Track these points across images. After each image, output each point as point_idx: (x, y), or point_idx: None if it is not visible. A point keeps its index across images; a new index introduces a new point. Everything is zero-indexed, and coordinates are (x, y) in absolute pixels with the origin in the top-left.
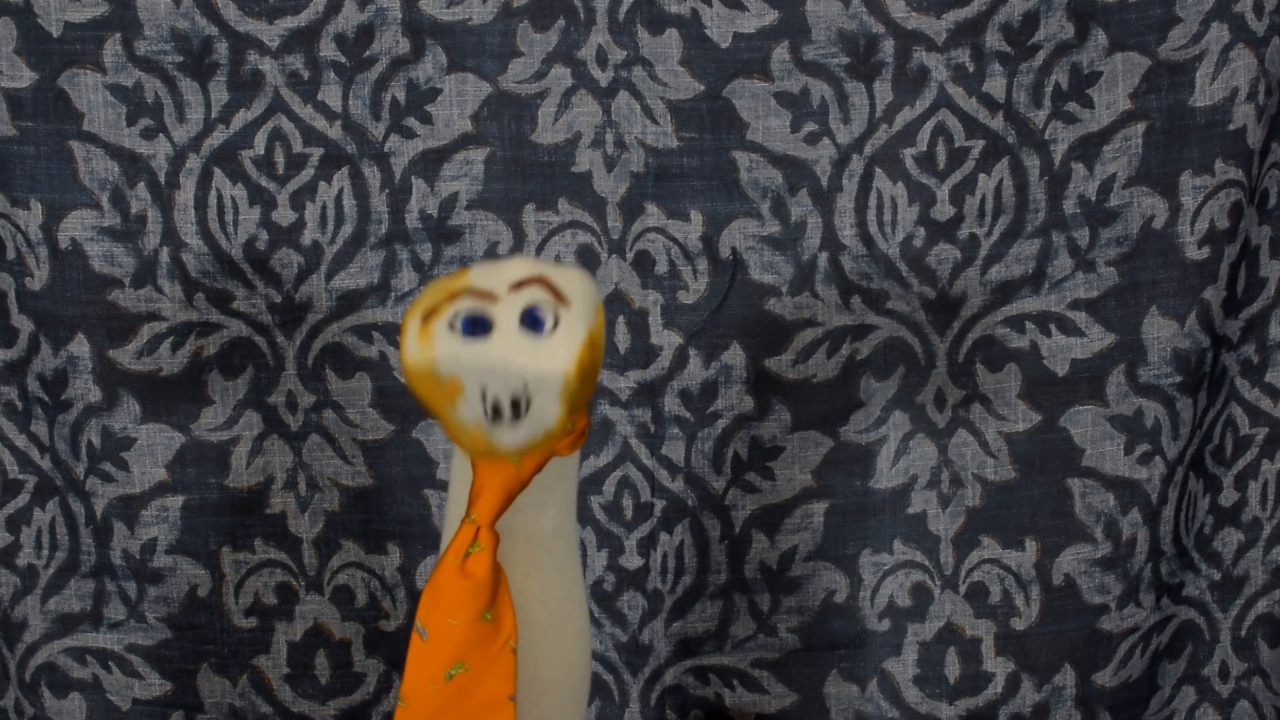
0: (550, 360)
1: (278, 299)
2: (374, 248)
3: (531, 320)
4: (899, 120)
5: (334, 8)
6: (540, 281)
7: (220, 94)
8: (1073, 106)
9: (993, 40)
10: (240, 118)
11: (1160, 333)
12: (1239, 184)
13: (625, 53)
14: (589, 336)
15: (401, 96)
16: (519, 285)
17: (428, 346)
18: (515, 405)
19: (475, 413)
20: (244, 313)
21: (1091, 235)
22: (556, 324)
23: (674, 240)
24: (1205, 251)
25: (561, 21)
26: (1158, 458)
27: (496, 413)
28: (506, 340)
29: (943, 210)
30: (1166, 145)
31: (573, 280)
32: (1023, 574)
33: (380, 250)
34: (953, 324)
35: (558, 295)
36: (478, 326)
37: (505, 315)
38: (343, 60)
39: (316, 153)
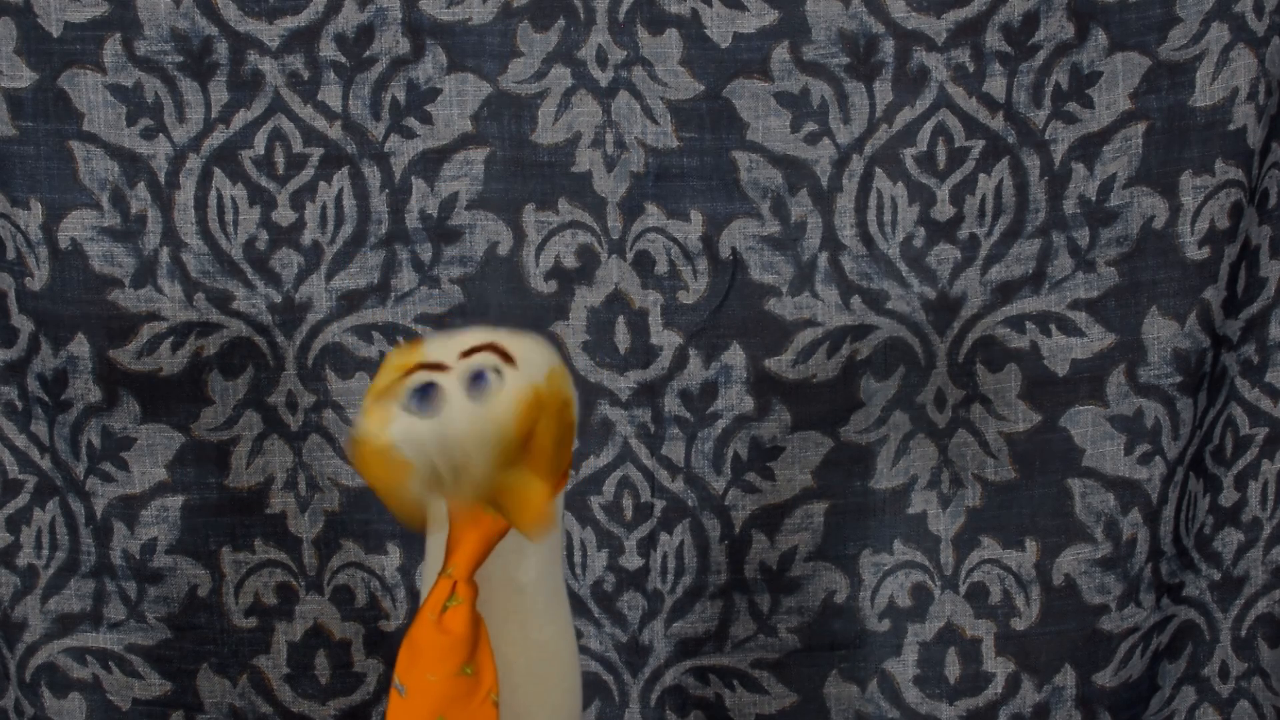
0: (483, 419)
1: (278, 299)
2: (374, 248)
3: (477, 381)
4: (899, 120)
5: (334, 8)
6: (490, 348)
7: (220, 94)
8: (1073, 106)
9: (993, 40)
10: (240, 118)
11: (1160, 333)
12: (1239, 184)
13: (625, 53)
14: (533, 395)
15: (401, 96)
16: (469, 353)
17: (383, 430)
18: (455, 472)
19: (418, 492)
20: (244, 313)
21: (1091, 235)
22: (501, 383)
23: (674, 240)
24: (1205, 251)
25: (561, 21)
26: (1158, 458)
27: (437, 482)
28: (453, 411)
29: (943, 210)
30: (1166, 145)
31: (524, 344)
32: (1023, 574)
33: (380, 250)
34: (953, 324)
35: (506, 358)
36: (427, 399)
37: (453, 383)
38: (343, 60)
39: (316, 153)
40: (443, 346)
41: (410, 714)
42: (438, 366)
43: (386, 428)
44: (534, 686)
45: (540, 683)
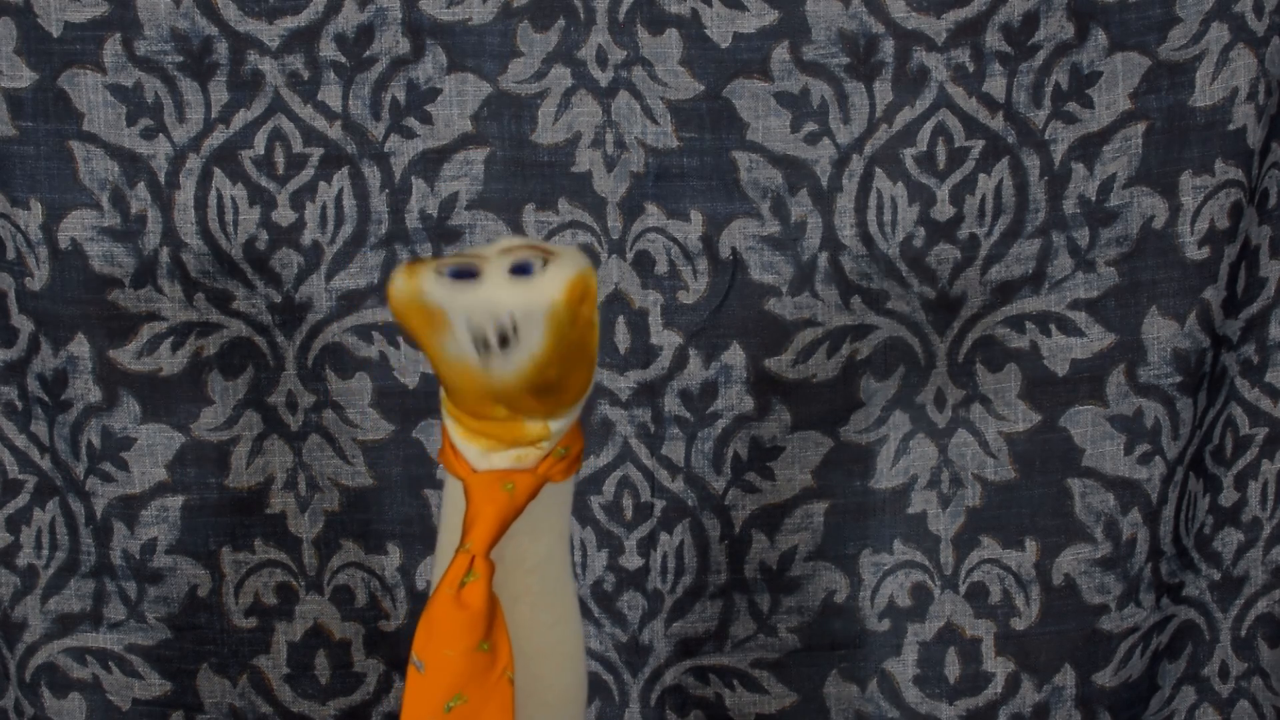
0: (537, 290)
1: (278, 299)
2: (374, 248)
3: (520, 269)
4: (899, 120)
5: (334, 8)
6: (530, 247)
7: (220, 94)
8: (1073, 106)
9: (993, 40)
10: (240, 118)
11: (1160, 333)
12: (1239, 184)
13: (625, 53)
14: (580, 276)
15: (401, 96)
16: (509, 250)
17: (414, 280)
18: (503, 339)
19: (463, 347)
20: (244, 313)
21: (1091, 235)
22: (545, 268)
23: (674, 240)
24: (1205, 251)
25: (561, 21)
26: (1158, 458)
27: (485, 347)
28: (493, 282)
29: (943, 210)
30: (1166, 145)
31: (563, 248)
32: (1023, 574)
33: (380, 250)
34: (953, 324)
35: (547, 253)
36: (465, 274)
37: (493, 267)
38: (343, 60)
39: (316, 153)
40: (481, 249)
41: (429, 690)
42: (476, 256)
43: (419, 280)
44: (543, 667)
45: (549, 663)
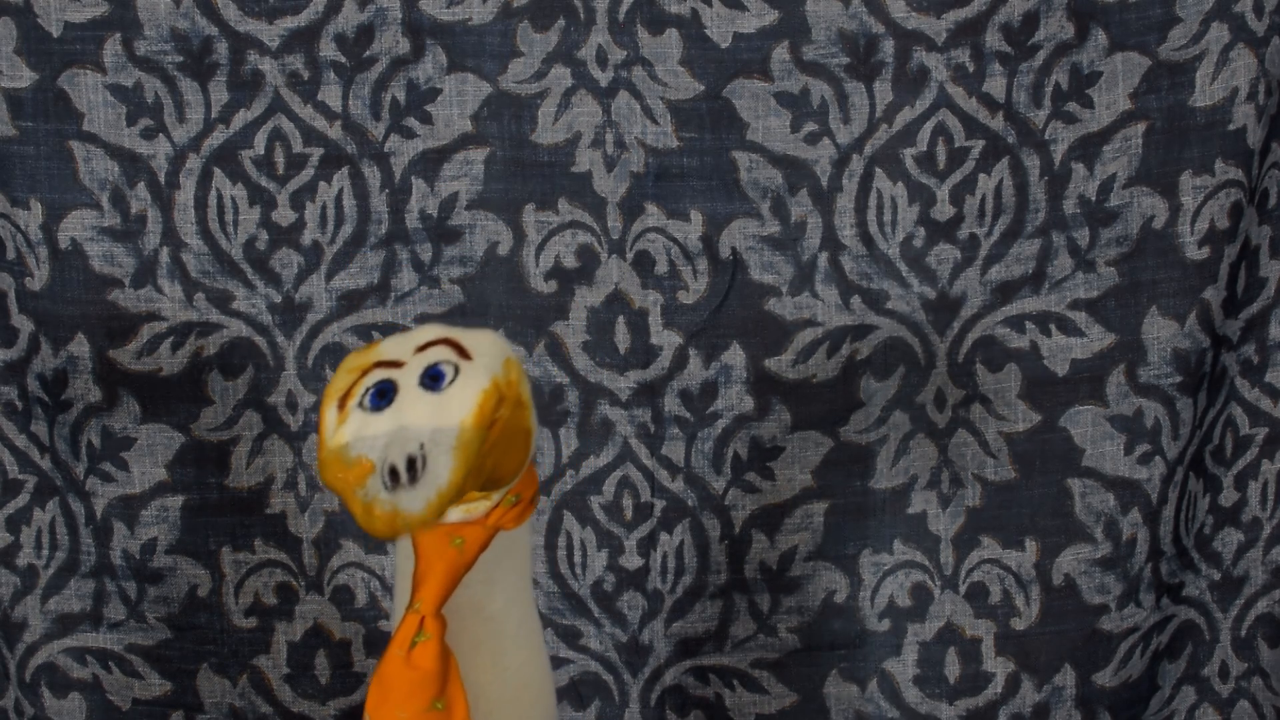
0: (445, 413)
1: (278, 299)
2: (374, 248)
3: (432, 377)
4: (899, 120)
5: (334, 8)
6: (445, 342)
7: (220, 94)
8: (1073, 106)
9: (993, 40)
10: (240, 118)
11: (1160, 333)
12: (1239, 184)
13: (625, 53)
14: (492, 386)
15: (401, 96)
16: (424, 348)
17: (342, 433)
18: (412, 467)
19: (377, 485)
20: (244, 313)
21: (1091, 235)
22: (457, 377)
23: (674, 240)
24: (1205, 251)
25: (561, 21)
26: (1158, 458)
27: (395, 478)
28: (406, 403)
29: (943, 210)
30: (1166, 145)
31: (479, 338)
32: (1023, 574)
33: (380, 250)
34: (953, 324)
35: (461, 352)
36: (384, 396)
37: (407, 378)
38: (343, 60)
39: (316, 153)
40: (397, 344)
41: None
42: (393, 364)
43: (341, 429)
44: (507, 712)
45: (514, 709)
